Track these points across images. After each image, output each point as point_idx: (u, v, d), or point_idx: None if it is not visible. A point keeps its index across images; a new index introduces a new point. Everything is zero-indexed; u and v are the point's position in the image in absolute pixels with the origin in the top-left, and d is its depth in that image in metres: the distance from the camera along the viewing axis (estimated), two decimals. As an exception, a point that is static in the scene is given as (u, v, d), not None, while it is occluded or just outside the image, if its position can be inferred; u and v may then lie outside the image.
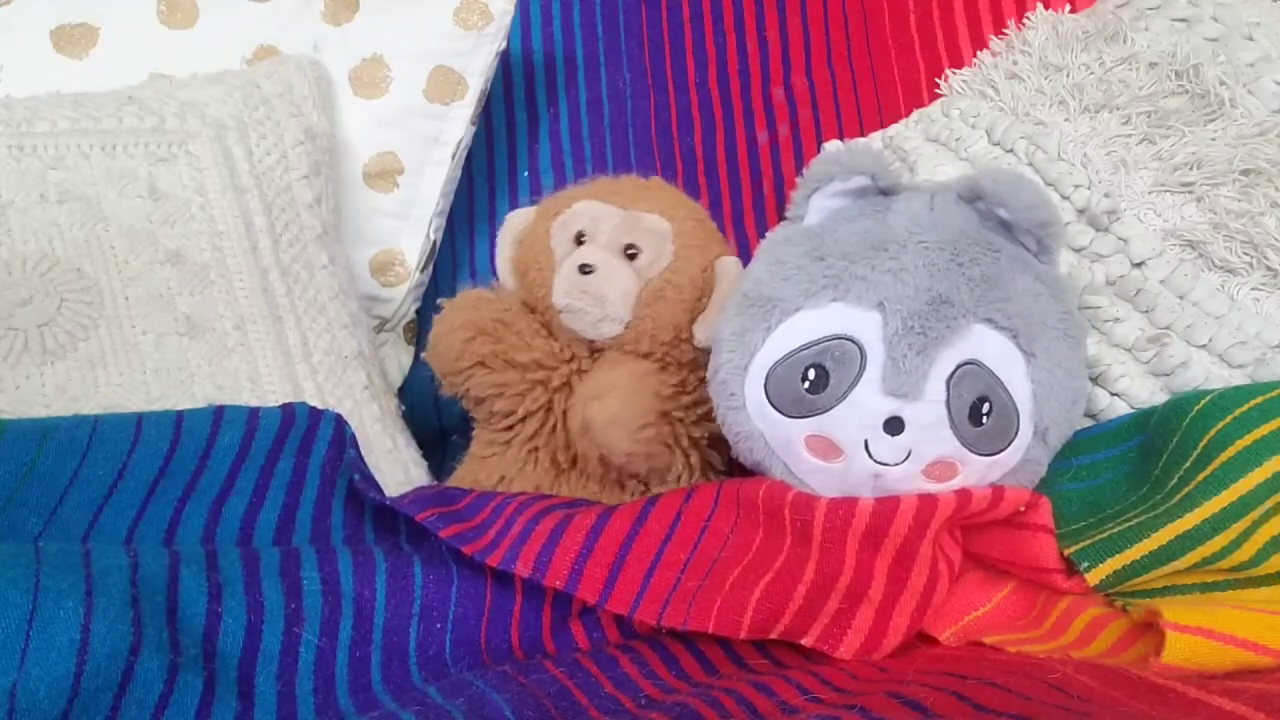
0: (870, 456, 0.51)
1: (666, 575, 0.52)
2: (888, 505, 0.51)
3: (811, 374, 0.52)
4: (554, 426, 0.65)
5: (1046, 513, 0.53)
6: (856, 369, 0.51)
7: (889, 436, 0.51)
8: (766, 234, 0.61)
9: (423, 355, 0.67)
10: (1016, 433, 0.52)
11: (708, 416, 0.60)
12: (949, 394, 0.51)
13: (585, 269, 0.62)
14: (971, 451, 0.52)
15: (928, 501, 0.51)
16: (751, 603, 0.50)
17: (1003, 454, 0.52)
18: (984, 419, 0.51)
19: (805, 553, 0.51)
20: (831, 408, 0.52)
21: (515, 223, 0.70)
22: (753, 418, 0.55)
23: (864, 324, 0.52)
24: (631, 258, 0.64)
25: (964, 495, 0.52)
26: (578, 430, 0.61)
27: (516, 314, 0.66)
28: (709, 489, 0.57)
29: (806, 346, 0.53)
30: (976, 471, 0.53)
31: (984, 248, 0.53)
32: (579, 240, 0.65)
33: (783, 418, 0.53)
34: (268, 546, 0.54)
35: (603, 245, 0.64)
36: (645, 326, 0.64)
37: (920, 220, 0.54)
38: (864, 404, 0.51)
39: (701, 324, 0.64)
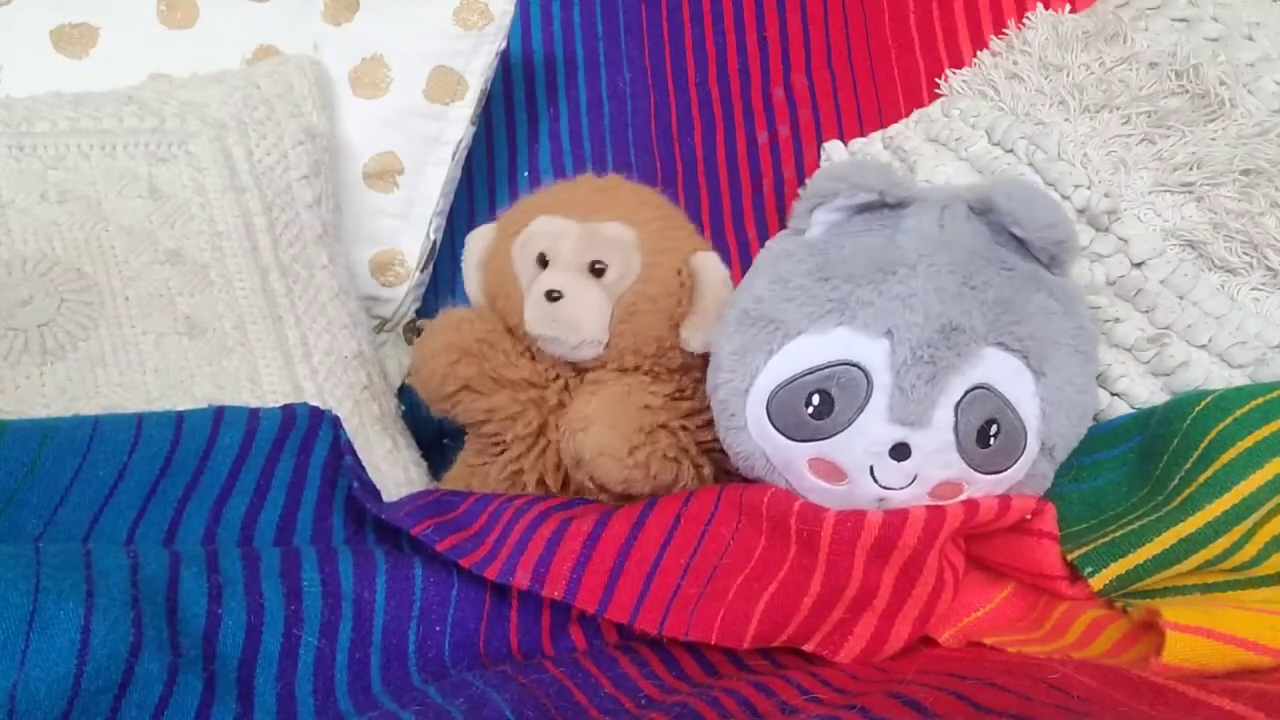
0: (875, 481, 0.51)
1: (666, 581, 0.52)
2: (896, 517, 0.50)
3: (816, 400, 0.51)
4: (544, 449, 0.63)
5: (1051, 519, 0.53)
6: (862, 396, 0.50)
7: (895, 462, 0.50)
8: (767, 243, 0.59)
9: (406, 380, 0.65)
10: (1023, 451, 0.52)
11: (712, 422, 0.59)
12: (957, 419, 0.50)
13: (553, 295, 0.60)
14: (977, 472, 0.51)
15: (936, 513, 0.51)
16: (756, 614, 0.50)
17: (1008, 471, 0.52)
18: (991, 441, 0.50)
19: (811, 563, 0.51)
20: (836, 433, 0.51)
21: (477, 244, 0.67)
22: (754, 437, 0.54)
23: (871, 351, 0.50)
24: (599, 274, 0.61)
25: (971, 506, 0.51)
26: (571, 465, 0.60)
27: (501, 334, 0.64)
28: (709, 493, 0.57)
29: (811, 371, 0.51)
30: (981, 489, 0.52)
31: (996, 267, 0.52)
32: (543, 261, 0.62)
33: (785, 440, 0.52)
34: (268, 547, 0.54)
35: (566, 265, 0.61)
36: (625, 343, 0.61)
37: (930, 240, 0.52)
38: (870, 431, 0.50)
39: (691, 329, 0.61)
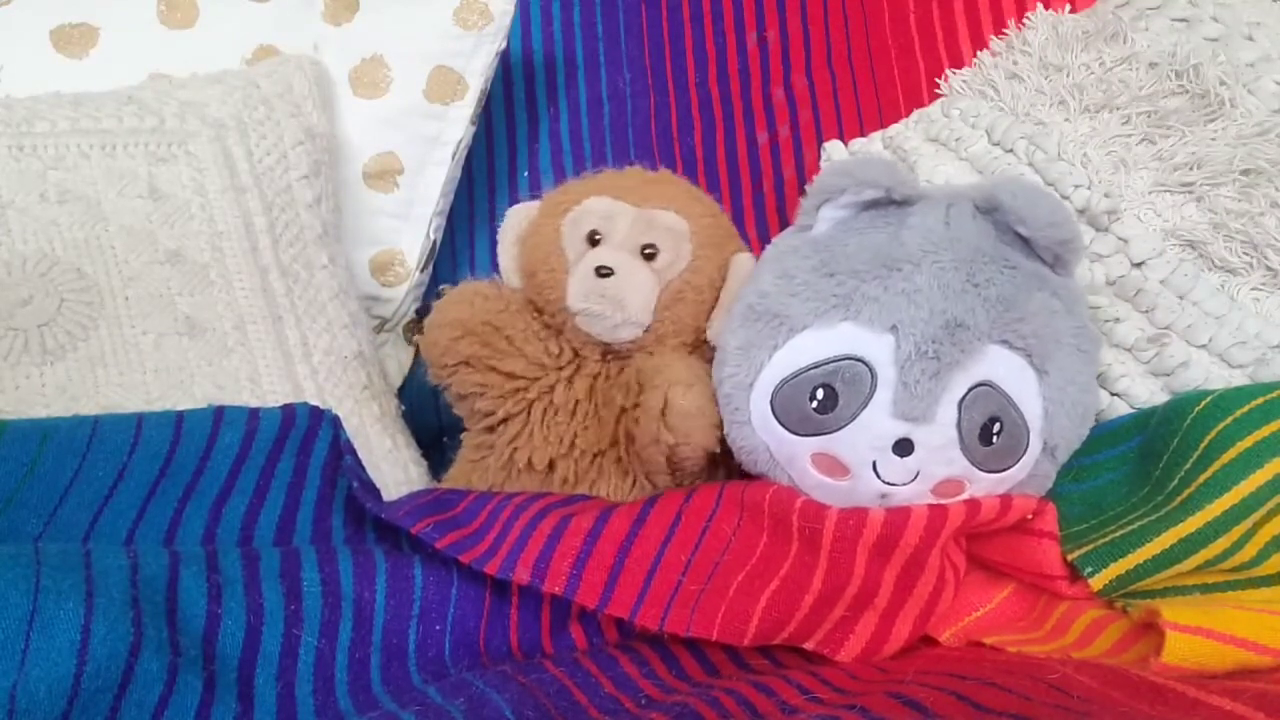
0: (878, 476, 0.51)
1: (667, 577, 0.52)
2: (898, 515, 0.51)
3: (820, 394, 0.51)
4: (531, 433, 0.64)
5: (1051, 519, 0.53)
6: (867, 391, 0.50)
7: (898, 458, 0.50)
8: (772, 240, 0.60)
9: (416, 339, 0.67)
10: (1026, 450, 0.52)
11: None
12: (960, 416, 0.50)
13: (603, 271, 0.60)
14: (980, 470, 0.51)
15: (938, 512, 0.51)
16: (757, 611, 0.50)
17: (1010, 470, 0.52)
18: (994, 439, 0.51)
19: (813, 561, 0.51)
20: (840, 428, 0.51)
21: (517, 219, 0.67)
22: (758, 431, 0.55)
23: (875, 346, 0.51)
24: (649, 258, 0.61)
25: (973, 505, 0.52)
26: (652, 412, 0.57)
27: (513, 314, 0.64)
28: (711, 489, 0.57)
29: (815, 366, 0.52)
30: (983, 488, 0.52)
31: (1000, 265, 0.52)
32: (593, 240, 0.62)
33: (789, 434, 0.53)
34: (268, 547, 0.54)
35: (619, 245, 0.61)
36: (665, 329, 0.62)
37: (935, 237, 0.52)
38: (873, 426, 0.50)
39: (711, 322, 0.62)
